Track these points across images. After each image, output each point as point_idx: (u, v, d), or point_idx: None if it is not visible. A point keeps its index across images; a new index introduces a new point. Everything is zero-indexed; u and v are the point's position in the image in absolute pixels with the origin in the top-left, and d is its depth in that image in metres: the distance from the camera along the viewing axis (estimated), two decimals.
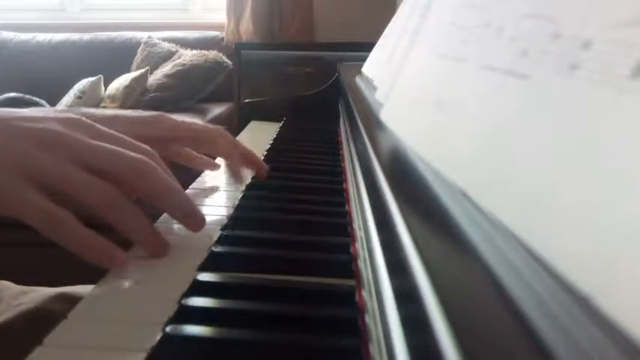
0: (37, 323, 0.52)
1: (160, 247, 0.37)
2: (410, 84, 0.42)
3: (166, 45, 2.30)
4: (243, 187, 0.54)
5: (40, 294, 0.57)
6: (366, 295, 0.31)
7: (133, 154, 0.36)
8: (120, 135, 0.39)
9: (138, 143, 0.39)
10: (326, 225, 0.44)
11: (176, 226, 0.45)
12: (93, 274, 0.37)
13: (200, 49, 2.21)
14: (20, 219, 0.33)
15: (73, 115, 0.38)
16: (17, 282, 0.62)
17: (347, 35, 2.16)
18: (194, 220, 0.39)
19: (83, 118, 0.38)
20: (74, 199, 0.34)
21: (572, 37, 0.20)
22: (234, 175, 0.53)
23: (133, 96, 2.07)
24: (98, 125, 0.38)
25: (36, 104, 0.50)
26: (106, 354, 0.27)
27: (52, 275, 0.98)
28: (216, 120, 2.00)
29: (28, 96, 0.48)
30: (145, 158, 0.37)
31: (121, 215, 0.35)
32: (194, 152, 0.56)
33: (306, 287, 0.33)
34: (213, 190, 0.55)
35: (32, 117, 0.36)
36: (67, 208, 0.33)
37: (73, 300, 0.45)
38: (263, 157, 0.67)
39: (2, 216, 0.33)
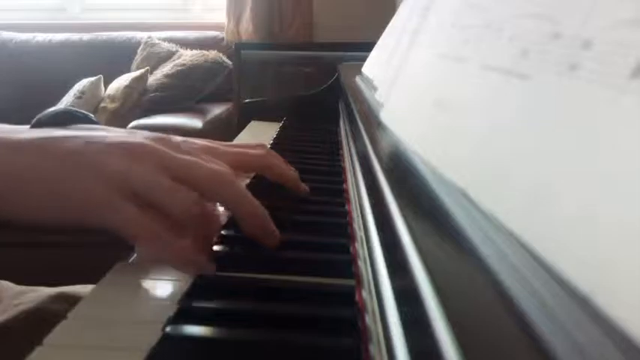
0: (37, 323, 0.52)
1: (269, 235, 0.37)
2: (410, 84, 0.42)
3: (166, 45, 2.30)
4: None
5: (39, 294, 0.57)
6: (366, 295, 0.31)
7: (215, 165, 0.38)
8: (201, 153, 0.41)
9: (220, 162, 0.40)
10: (326, 225, 0.44)
11: None
12: (93, 274, 0.37)
13: (200, 49, 2.21)
14: (115, 232, 0.33)
15: (155, 134, 0.40)
16: (17, 282, 0.62)
17: (347, 35, 2.16)
18: (268, 234, 0.38)
19: (170, 137, 0.40)
20: (162, 207, 0.34)
21: (572, 37, 0.20)
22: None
23: (133, 96, 2.07)
24: (183, 144, 0.40)
25: (86, 117, 0.50)
26: (106, 354, 0.27)
27: (52, 275, 0.98)
28: (216, 120, 2.01)
29: (80, 111, 0.48)
30: (226, 170, 0.38)
31: (205, 221, 0.36)
32: None
33: (306, 287, 0.33)
34: None
35: (123, 134, 0.38)
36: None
37: (73, 300, 0.45)
38: None
39: (95, 228, 0.34)
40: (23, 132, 0.37)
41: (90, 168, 0.34)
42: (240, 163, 0.51)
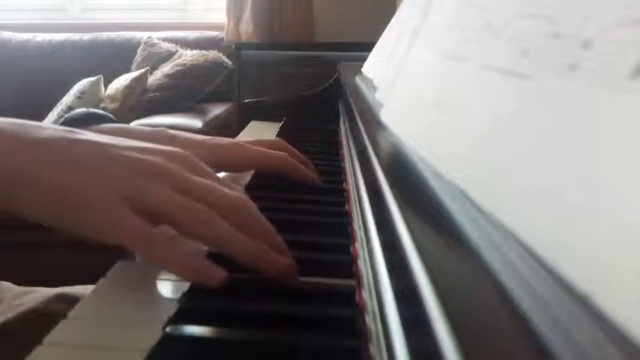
0: (37, 324, 0.52)
1: (278, 263, 0.34)
2: (410, 84, 0.42)
3: (166, 45, 2.30)
4: (242, 187, 0.54)
5: (40, 295, 0.57)
6: (366, 295, 0.31)
7: (230, 191, 0.37)
8: (219, 177, 0.40)
9: (235, 186, 0.39)
10: (326, 225, 0.44)
11: None
12: (93, 274, 0.37)
13: (200, 49, 2.21)
14: (117, 241, 0.33)
15: (180, 151, 0.39)
16: (17, 282, 0.62)
17: (347, 35, 2.16)
18: (281, 265, 0.34)
19: (190, 155, 0.39)
20: (172, 223, 0.34)
21: (572, 37, 0.20)
22: None
23: (133, 96, 2.07)
24: (202, 163, 0.39)
25: (105, 117, 0.52)
26: (106, 354, 0.27)
27: (52, 275, 0.98)
28: (216, 120, 2.00)
29: (100, 111, 0.50)
30: (243, 196, 0.37)
31: (223, 234, 0.34)
32: None
33: (306, 287, 0.33)
34: None
35: (140, 148, 0.38)
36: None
37: (73, 300, 0.45)
38: None
39: (91, 235, 0.34)
40: (43, 131, 0.37)
41: (104, 178, 0.34)
42: (262, 163, 0.53)
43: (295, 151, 0.58)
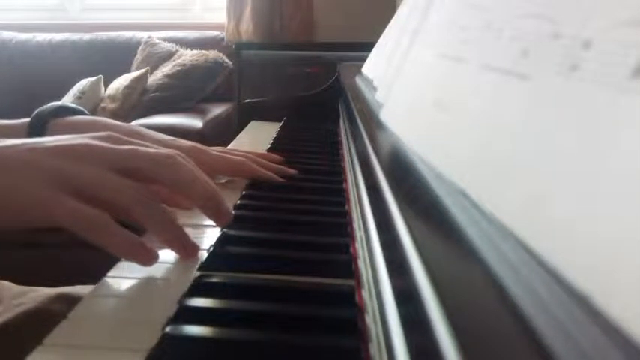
0: (37, 323, 0.52)
1: (190, 248, 0.38)
2: (410, 84, 0.42)
3: (166, 45, 2.30)
4: (243, 187, 0.54)
5: (40, 294, 0.57)
6: (366, 295, 0.31)
7: (158, 149, 0.39)
8: (148, 143, 0.42)
9: (164, 148, 0.41)
10: (326, 225, 0.44)
11: None
12: (93, 274, 0.37)
13: (200, 49, 2.21)
14: (56, 224, 0.34)
15: (103, 133, 0.41)
16: (17, 282, 0.62)
17: (347, 35, 2.16)
18: (218, 212, 0.40)
19: (112, 133, 0.41)
20: (107, 202, 0.36)
21: (572, 37, 0.20)
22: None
23: (133, 96, 2.07)
24: (127, 138, 0.41)
25: (76, 110, 0.55)
26: (106, 354, 0.27)
27: (52, 275, 0.98)
28: (216, 120, 2.01)
29: (72, 105, 0.52)
30: (172, 151, 0.39)
31: (151, 214, 0.36)
32: None
33: (306, 287, 0.33)
34: None
35: (62, 138, 0.39)
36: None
37: (73, 300, 0.45)
38: None
39: (41, 226, 0.35)
40: None
41: (31, 171, 0.35)
42: (220, 167, 0.56)
43: (267, 154, 0.63)
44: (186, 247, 0.38)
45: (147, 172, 0.38)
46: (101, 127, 0.48)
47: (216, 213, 0.40)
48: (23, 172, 0.36)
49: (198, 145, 0.55)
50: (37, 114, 0.52)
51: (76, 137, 0.39)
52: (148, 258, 0.35)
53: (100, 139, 0.39)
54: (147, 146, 0.40)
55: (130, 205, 0.36)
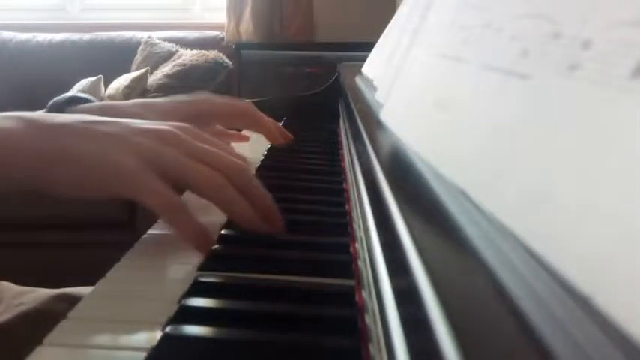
0: (38, 323, 0.52)
1: (276, 221, 0.40)
2: (410, 84, 0.42)
3: (166, 45, 2.30)
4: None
5: (40, 294, 0.57)
6: (366, 295, 0.31)
7: (232, 158, 0.42)
8: (219, 141, 0.45)
9: (235, 152, 0.46)
10: (326, 225, 0.44)
11: None
12: (93, 274, 0.37)
13: (200, 49, 2.21)
14: (140, 201, 0.37)
15: (183, 124, 0.44)
16: (17, 282, 0.62)
17: (347, 35, 2.16)
18: (273, 223, 0.41)
19: (192, 127, 0.44)
20: (187, 185, 0.39)
21: (572, 37, 0.20)
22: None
23: (133, 96, 2.06)
24: (204, 133, 0.44)
25: (86, 99, 0.60)
26: (106, 354, 0.27)
27: (52, 275, 0.98)
28: None
29: (82, 94, 0.54)
30: (242, 163, 0.42)
31: (229, 200, 0.39)
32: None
33: (306, 287, 0.33)
34: None
35: (151, 122, 0.43)
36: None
37: (73, 300, 0.45)
38: (263, 157, 0.68)
39: (119, 198, 0.38)
40: (57, 117, 0.41)
41: (126, 146, 0.38)
42: (229, 110, 0.62)
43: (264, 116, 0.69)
44: (273, 225, 0.40)
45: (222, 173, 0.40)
46: (108, 109, 0.52)
47: (272, 223, 0.41)
48: (112, 143, 0.38)
49: (203, 96, 0.62)
50: (53, 103, 0.54)
51: (157, 122, 0.42)
52: (207, 248, 0.37)
53: (182, 130, 0.42)
54: (218, 144, 0.43)
55: (213, 191, 0.38)
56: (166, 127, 0.41)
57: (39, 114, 0.41)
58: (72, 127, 0.39)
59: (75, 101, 0.55)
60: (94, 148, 0.37)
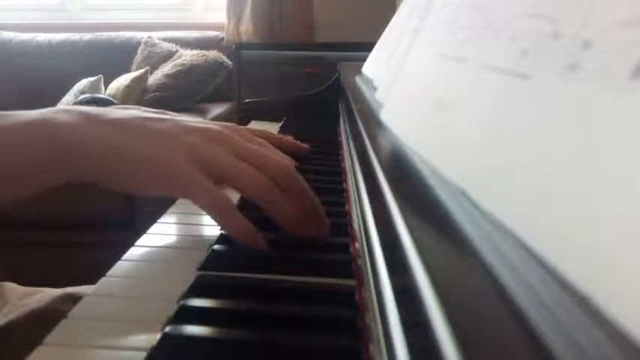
0: (45, 324, 0.52)
1: (320, 224, 0.40)
2: (410, 84, 0.42)
3: (166, 45, 2.30)
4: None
5: (46, 295, 0.57)
6: (366, 295, 0.31)
7: (277, 158, 0.42)
8: (265, 142, 0.46)
9: (281, 153, 0.46)
10: None
11: (175, 225, 0.45)
12: (93, 274, 0.37)
13: (200, 49, 2.21)
14: (184, 197, 0.39)
15: (230, 124, 0.45)
16: (17, 282, 0.62)
17: (347, 35, 2.15)
18: (318, 225, 0.41)
19: (238, 127, 0.45)
20: (234, 185, 0.40)
21: (572, 37, 0.20)
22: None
23: (133, 96, 2.06)
24: (250, 133, 0.45)
25: (107, 101, 0.59)
26: (106, 354, 0.27)
27: (52, 275, 0.98)
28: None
29: (103, 96, 0.53)
30: (288, 164, 0.42)
31: (276, 200, 0.39)
32: None
33: (306, 287, 0.33)
34: None
35: (198, 120, 0.44)
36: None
37: (78, 301, 0.45)
38: None
39: (172, 196, 0.40)
40: (113, 112, 0.42)
41: (177, 145, 0.39)
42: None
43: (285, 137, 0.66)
44: (317, 227, 0.40)
45: (270, 174, 0.40)
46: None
47: (315, 226, 0.41)
48: (164, 141, 0.39)
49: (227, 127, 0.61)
50: (76, 103, 0.54)
51: (205, 121, 0.43)
52: (255, 244, 0.37)
53: (231, 130, 0.43)
54: (264, 144, 0.44)
55: (258, 191, 0.39)
56: (215, 126, 0.42)
57: (94, 109, 0.42)
58: (128, 123, 0.40)
59: (96, 102, 0.56)
60: (147, 148, 0.38)
